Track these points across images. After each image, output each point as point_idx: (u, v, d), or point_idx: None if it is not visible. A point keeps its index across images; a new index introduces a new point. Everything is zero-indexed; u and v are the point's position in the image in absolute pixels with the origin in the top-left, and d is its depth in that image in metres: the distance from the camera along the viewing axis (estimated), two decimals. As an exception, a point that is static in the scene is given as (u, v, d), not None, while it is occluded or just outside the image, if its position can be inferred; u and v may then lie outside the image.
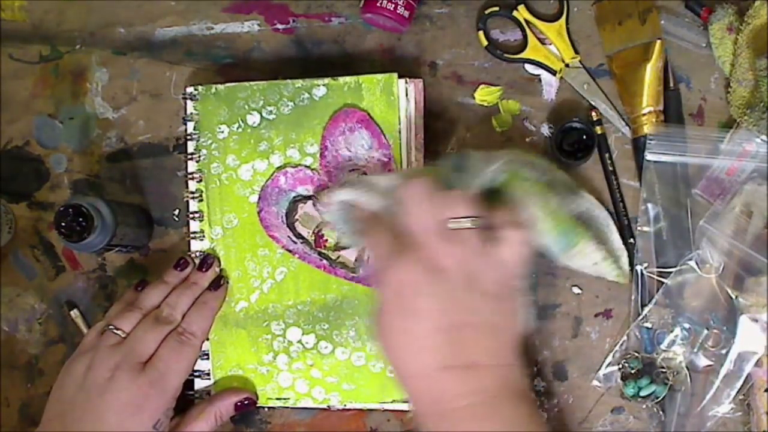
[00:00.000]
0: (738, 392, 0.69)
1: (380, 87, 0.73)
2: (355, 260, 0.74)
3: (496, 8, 0.76)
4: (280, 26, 0.79)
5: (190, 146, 0.76)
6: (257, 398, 0.74)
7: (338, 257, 0.74)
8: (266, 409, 0.76)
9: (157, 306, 0.73)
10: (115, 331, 0.70)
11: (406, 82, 0.73)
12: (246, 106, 0.75)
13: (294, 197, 0.75)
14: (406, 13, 0.75)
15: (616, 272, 0.70)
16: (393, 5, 0.74)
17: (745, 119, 0.71)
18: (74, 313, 0.78)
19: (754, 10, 0.71)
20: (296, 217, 0.74)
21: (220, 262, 0.75)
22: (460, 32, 0.77)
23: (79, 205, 0.70)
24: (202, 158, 0.76)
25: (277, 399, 0.74)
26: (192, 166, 0.76)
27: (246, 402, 0.74)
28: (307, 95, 0.75)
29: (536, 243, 0.64)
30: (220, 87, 0.76)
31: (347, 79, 0.74)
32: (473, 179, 0.64)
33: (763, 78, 0.70)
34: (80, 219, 0.70)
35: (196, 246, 0.76)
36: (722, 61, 0.74)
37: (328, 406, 0.74)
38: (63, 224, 0.70)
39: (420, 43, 0.78)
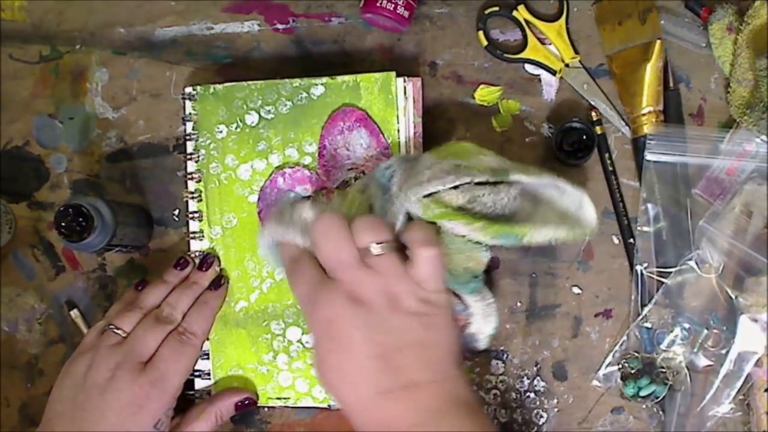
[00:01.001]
0: (738, 392, 0.69)
1: (378, 86, 0.73)
2: None
3: (496, 8, 0.76)
4: (280, 26, 0.79)
5: (189, 146, 0.76)
6: (257, 398, 0.74)
7: None
8: (266, 409, 0.76)
9: (158, 306, 0.73)
10: (115, 330, 0.70)
11: (405, 81, 0.73)
12: (244, 106, 0.75)
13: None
14: (406, 13, 0.75)
15: (578, 233, 0.66)
16: (393, 5, 0.74)
17: (745, 119, 0.71)
18: (74, 313, 0.78)
19: (754, 10, 0.72)
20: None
21: (220, 261, 0.75)
22: (460, 32, 0.77)
23: (79, 205, 0.70)
24: (201, 158, 0.76)
25: (278, 398, 0.75)
26: (191, 166, 0.76)
27: (246, 402, 0.74)
28: (305, 94, 0.75)
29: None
30: (219, 87, 0.76)
31: (345, 78, 0.74)
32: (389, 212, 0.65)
33: (763, 78, 0.70)
34: (80, 219, 0.70)
35: (195, 246, 0.76)
36: (722, 61, 0.74)
37: (329, 406, 0.74)
38: (63, 224, 0.70)
39: (420, 43, 0.78)
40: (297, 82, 0.75)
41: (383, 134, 0.73)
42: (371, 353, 0.60)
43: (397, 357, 0.60)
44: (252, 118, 0.75)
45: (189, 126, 0.76)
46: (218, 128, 0.76)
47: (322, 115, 0.74)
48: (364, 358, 0.60)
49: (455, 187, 0.64)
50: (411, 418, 0.59)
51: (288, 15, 0.79)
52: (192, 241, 0.76)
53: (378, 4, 0.74)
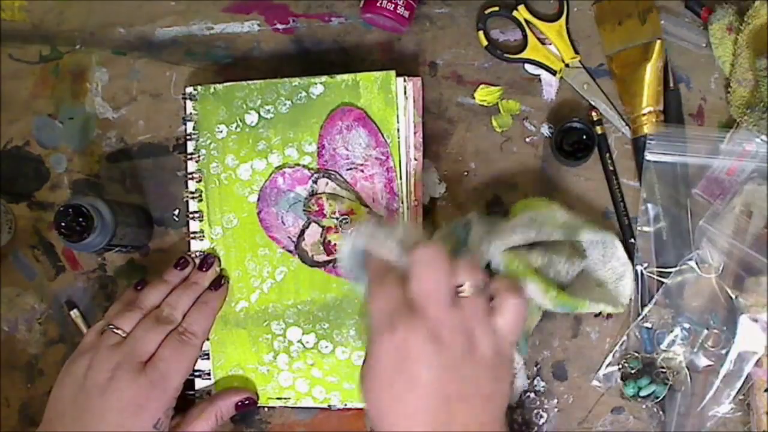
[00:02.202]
0: (738, 392, 0.69)
1: (378, 85, 0.73)
2: None
3: (496, 8, 0.76)
4: (280, 26, 0.79)
5: (190, 146, 0.76)
6: (258, 398, 0.74)
7: None
8: (266, 409, 0.76)
9: (158, 306, 0.73)
10: (115, 330, 0.70)
11: (405, 81, 0.73)
12: (244, 106, 0.75)
13: (293, 206, 0.75)
14: (406, 13, 0.75)
15: (619, 308, 0.69)
16: (393, 5, 0.74)
17: (745, 119, 0.71)
18: (74, 313, 0.78)
19: (754, 10, 0.72)
20: (304, 237, 0.74)
21: (220, 261, 0.75)
22: (460, 32, 0.77)
23: (79, 205, 0.70)
24: (201, 158, 0.76)
25: (278, 398, 0.75)
26: (191, 166, 0.76)
27: (247, 402, 0.74)
28: (304, 93, 0.75)
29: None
30: (219, 87, 0.76)
31: (345, 76, 0.74)
32: (474, 256, 0.66)
33: (763, 78, 0.70)
34: (80, 219, 0.71)
35: (196, 246, 0.76)
36: (722, 61, 0.74)
37: (329, 406, 0.74)
38: (63, 224, 0.70)
39: (420, 43, 0.78)
40: (296, 81, 0.75)
41: (382, 133, 0.73)
42: (436, 395, 0.59)
43: (459, 404, 0.59)
44: (252, 118, 0.75)
45: (189, 126, 0.76)
46: (218, 128, 0.76)
47: (321, 114, 0.74)
48: (427, 397, 0.59)
49: (534, 247, 0.66)
50: None
51: (288, 15, 0.79)
52: (192, 241, 0.76)
53: (378, 4, 0.74)
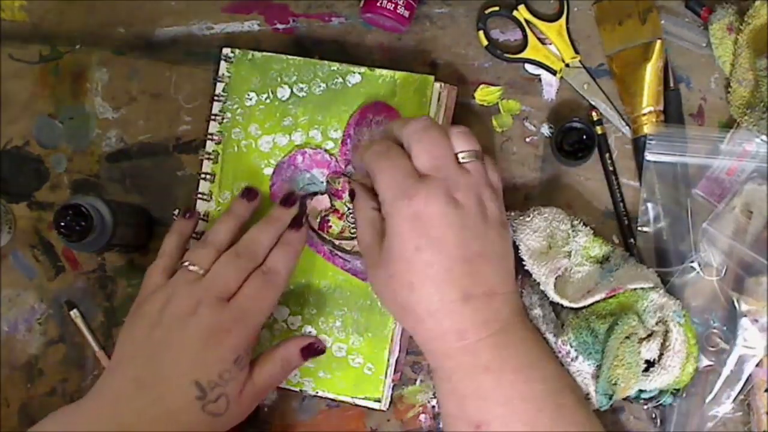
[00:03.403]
0: (738, 393, 0.69)
1: (415, 87, 0.73)
2: (354, 247, 0.73)
3: (496, 8, 0.76)
4: (280, 26, 0.79)
5: (216, 107, 0.76)
6: (325, 345, 0.71)
7: (353, 247, 0.73)
8: (266, 409, 0.76)
9: (227, 240, 0.70)
10: (190, 267, 0.68)
11: (441, 87, 0.73)
12: (278, 79, 0.75)
13: (306, 186, 0.74)
14: (406, 13, 0.75)
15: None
16: (393, 5, 0.74)
17: (745, 119, 0.71)
18: (74, 313, 0.78)
19: (754, 10, 0.72)
20: (306, 212, 0.74)
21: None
22: (460, 32, 0.77)
23: (79, 205, 0.70)
24: (225, 121, 0.76)
25: None
26: (213, 126, 0.76)
27: (310, 346, 0.71)
28: (340, 80, 0.74)
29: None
30: (257, 54, 0.75)
31: (383, 72, 0.74)
32: None
33: (763, 78, 0.70)
34: (80, 219, 0.70)
35: (202, 207, 0.75)
36: (722, 61, 0.74)
37: (300, 391, 0.74)
38: (63, 224, 0.70)
39: (420, 43, 0.78)
40: (335, 65, 0.74)
41: None
42: (462, 256, 0.61)
43: (482, 263, 0.62)
44: (284, 92, 0.75)
45: (219, 86, 0.76)
46: (248, 95, 0.75)
47: (353, 103, 0.74)
48: (454, 259, 0.61)
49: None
50: (490, 328, 0.62)
51: (288, 15, 0.79)
52: (199, 201, 0.75)
53: (378, 4, 0.74)
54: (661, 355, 0.67)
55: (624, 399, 0.70)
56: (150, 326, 0.66)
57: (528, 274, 0.69)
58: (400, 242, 0.62)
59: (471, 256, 0.61)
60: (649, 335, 0.67)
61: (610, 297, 0.68)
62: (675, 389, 0.68)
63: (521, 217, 0.70)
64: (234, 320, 0.66)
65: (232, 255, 0.69)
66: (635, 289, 0.68)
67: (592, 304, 0.68)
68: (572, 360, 0.67)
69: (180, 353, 0.65)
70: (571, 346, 0.67)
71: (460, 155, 0.64)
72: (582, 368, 0.67)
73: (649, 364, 0.67)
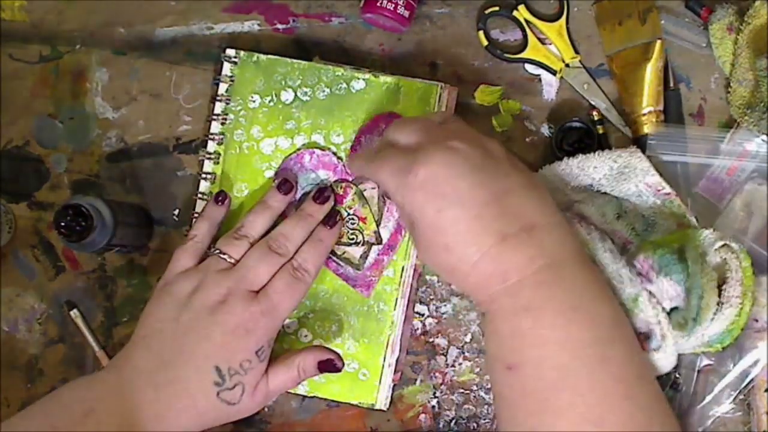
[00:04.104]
0: (738, 392, 0.69)
1: (419, 95, 0.73)
2: (360, 257, 0.73)
3: (496, 8, 0.76)
4: (280, 26, 0.79)
5: (218, 107, 0.76)
6: (343, 364, 0.71)
7: (344, 252, 0.74)
8: (266, 409, 0.76)
9: (261, 233, 0.71)
10: (221, 256, 0.69)
11: (441, 88, 0.73)
12: (283, 82, 0.75)
13: (310, 186, 0.74)
14: (406, 13, 0.75)
15: None
16: (393, 5, 0.74)
17: (745, 119, 0.71)
18: (74, 313, 0.78)
19: (754, 10, 0.72)
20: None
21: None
22: (460, 32, 0.77)
23: (79, 205, 0.70)
24: (228, 122, 0.76)
25: None
26: (215, 127, 0.76)
27: (328, 362, 0.70)
28: (344, 85, 0.75)
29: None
30: (262, 57, 0.75)
31: (387, 78, 0.74)
32: None
33: (763, 78, 0.70)
34: (80, 219, 0.70)
35: (201, 207, 0.75)
36: (722, 61, 0.74)
37: (295, 393, 0.74)
38: (63, 224, 0.70)
39: (420, 43, 0.78)
40: (340, 71, 0.75)
41: None
42: (484, 199, 0.59)
43: (510, 199, 0.60)
44: (288, 96, 0.75)
45: (222, 87, 0.76)
46: (252, 97, 0.75)
47: (356, 109, 0.74)
48: (479, 205, 0.59)
49: None
50: (535, 264, 0.58)
51: (288, 15, 0.79)
52: (199, 201, 0.76)
53: (378, 4, 0.74)
54: (721, 292, 0.65)
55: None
56: (178, 308, 0.67)
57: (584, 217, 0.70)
58: (421, 214, 0.61)
59: (494, 196, 0.59)
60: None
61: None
62: (731, 333, 0.66)
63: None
64: (262, 313, 0.67)
65: (264, 249, 0.69)
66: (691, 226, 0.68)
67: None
68: (656, 275, 0.65)
69: (205, 338, 0.66)
70: (654, 261, 0.65)
71: (437, 119, 0.65)
72: (661, 288, 0.65)
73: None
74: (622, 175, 0.70)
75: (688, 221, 0.70)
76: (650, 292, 0.65)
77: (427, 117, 0.68)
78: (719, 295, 0.64)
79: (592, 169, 0.70)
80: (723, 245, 0.65)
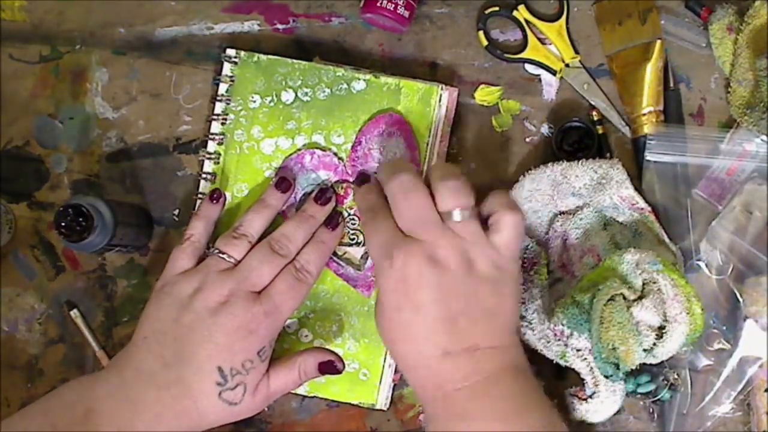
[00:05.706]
0: (738, 392, 0.69)
1: (419, 96, 0.73)
2: (361, 257, 0.73)
3: (496, 8, 0.76)
4: (280, 26, 0.79)
5: (218, 107, 0.76)
6: (343, 366, 0.71)
7: (344, 253, 0.74)
8: (266, 409, 0.76)
9: (260, 231, 0.71)
10: (221, 256, 0.69)
11: (442, 89, 0.73)
12: (283, 82, 0.75)
13: (310, 186, 0.74)
14: (406, 13, 0.75)
15: None
16: (393, 5, 0.74)
17: (745, 119, 0.71)
18: (74, 313, 0.78)
19: (754, 10, 0.72)
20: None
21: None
22: (460, 32, 0.77)
23: (79, 205, 0.70)
24: (228, 122, 0.76)
25: None
26: (216, 127, 0.76)
27: (329, 363, 0.71)
28: (345, 86, 0.74)
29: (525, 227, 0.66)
30: (263, 57, 0.75)
31: (388, 79, 0.74)
32: None
33: (763, 78, 0.70)
34: (80, 219, 0.70)
35: None
36: (722, 61, 0.74)
37: (295, 393, 0.74)
38: (63, 224, 0.70)
39: (420, 43, 0.78)
40: (340, 71, 0.74)
41: (419, 149, 0.73)
42: (441, 315, 0.61)
43: (464, 321, 0.62)
44: (288, 96, 0.75)
45: (222, 87, 0.76)
46: (252, 97, 0.75)
47: (357, 110, 0.74)
48: (432, 319, 0.62)
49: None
50: (469, 379, 0.61)
51: (288, 15, 0.79)
52: (198, 201, 0.75)
53: (378, 4, 0.74)
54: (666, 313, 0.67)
55: (628, 394, 0.70)
56: (179, 309, 0.67)
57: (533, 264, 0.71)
58: (385, 301, 0.64)
59: (451, 315, 0.62)
60: (641, 297, 0.67)
61: (592, 269, 0.69)
62: (692, 341, 0.67)
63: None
64: (264, 314, 0.67)
65: (266, 250, 0.70)
66: (611, 257, 0.68)
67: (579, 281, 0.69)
68: (567, 338, 0.67)
69: (207, 339, 0.66)
70: (563, 324, 0.67)
71: (445, 215, 0.63)
72: (579, 345, 0.67)
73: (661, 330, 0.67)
74: (599, 186, 0.71)
75: (662, 237, 0.71)
76: (576, 348, 0.68)
77: (436, 200, 0.63)
78: (664, 317, 0.66)
79: (574, 178, 0.71)
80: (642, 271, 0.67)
